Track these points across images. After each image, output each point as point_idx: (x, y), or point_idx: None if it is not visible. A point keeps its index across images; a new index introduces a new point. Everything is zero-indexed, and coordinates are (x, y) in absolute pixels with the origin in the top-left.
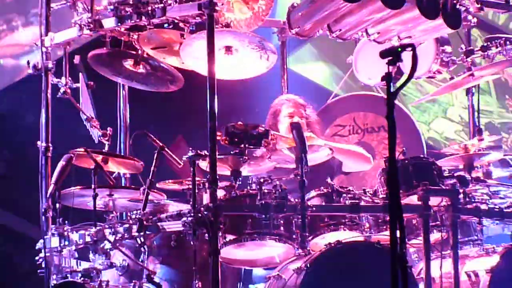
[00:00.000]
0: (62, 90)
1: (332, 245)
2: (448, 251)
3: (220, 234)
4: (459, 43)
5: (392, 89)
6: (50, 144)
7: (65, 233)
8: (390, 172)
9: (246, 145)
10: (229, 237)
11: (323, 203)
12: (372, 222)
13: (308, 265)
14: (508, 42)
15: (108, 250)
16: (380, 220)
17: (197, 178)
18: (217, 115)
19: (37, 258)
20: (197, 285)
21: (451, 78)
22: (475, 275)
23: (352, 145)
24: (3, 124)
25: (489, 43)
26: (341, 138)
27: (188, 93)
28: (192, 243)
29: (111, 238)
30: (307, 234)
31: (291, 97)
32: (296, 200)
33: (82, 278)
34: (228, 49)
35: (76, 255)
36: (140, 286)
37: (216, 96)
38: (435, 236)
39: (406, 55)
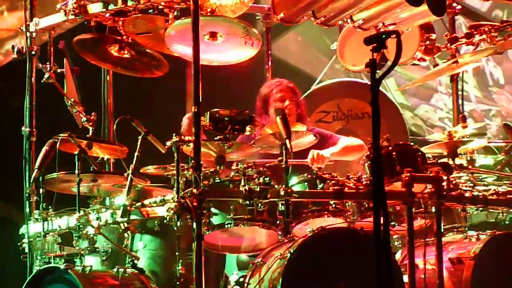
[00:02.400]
0: (46, 75)
1: (316, 231)
2: (432, 238)
3: (203, 220)
4: (443, 30)
5: (376, 76)
6: (34, 129)
7: (49, 218)
8: (374, 159)
9: (231, 131)
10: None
11: (307, 190)
12: (355, 208)
13: (292, 252)
14: (492, 29)
15: (92, 235)
16: (364, 207)
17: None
18: (202, 101)
19: (20, 243)
20: (180, 271)
21: (436, 65)
22: (458, 262)
23: (343, 141)
24: None
25: (473, 30)
26: (326, 125)
27: (173, 78)
28: (175, 228)
29: (95, 223)
30: (291, 220)
31: (282, 81)
32: (280, 186)
33: (65, 263)
34: (213, 35)
35: (60, 240)
36: (123, 271)
37: (200, 82)
38: (419, 222)
39: (391, 42)
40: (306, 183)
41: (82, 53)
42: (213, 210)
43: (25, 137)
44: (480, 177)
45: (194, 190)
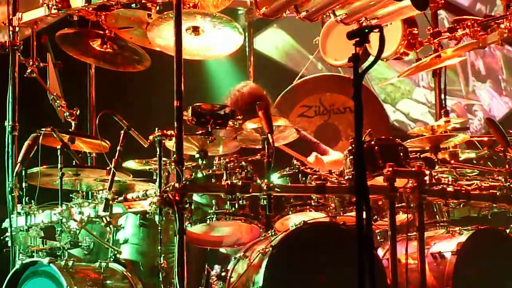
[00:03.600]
0: (29, 69)
1: (298, 226)
2: (414, 232)
3: (186, 214)
4: (426, 25)
5: (359, 70)
6: (16, 123)
7: (31, 212)
8: (356, 153)
9: (213, 125)
10: (195, 217)
11: (289, 184)
12: (338, 203)
13: (273, 246)
14: (475, 24)
15: (74, 229)
16: (346, 201)
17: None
18: (184, 95)
19: (3, 237)
20: (162, 265)
21: (418, 60)
22: (441, 257)
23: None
24: None
25: (456, 24)
26: (308, 120)
27: (155, 73)
28: (158, 222)
29: (77, 217)
30: (273, 214)
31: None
32: (262, 180)
33: (48, 257)
34: (195, 29)
35: (42, 234)
36: (106, 265)
37: (183, 76)
38: (401, 217)
39: (373, 36)
40: (287, 178)
41: (65, 47)
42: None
43: (7, 131)
44: (463, 172)
45: (176, 184)
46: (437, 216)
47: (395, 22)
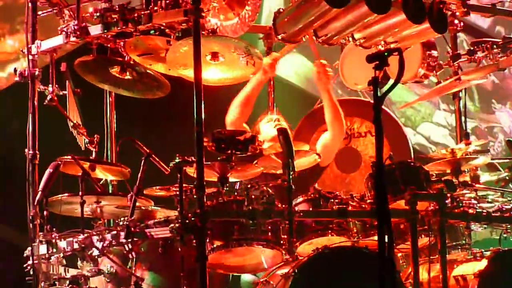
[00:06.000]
0: (49, 97)
1: (320, 250)
2: (436, 255)
3: (207, 240)
4: (445, 47)
5: (378, 94)
6: (37, 152)
7: (53, 240)
8: (378, 177)
9: (233, 151)
10: (217, 243)
11: (310, 209)
12: (359, 227)
13: (296, 271)
14: (494, 46)
15: (96, 257)
16: (367, 225)
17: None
18: (204, 121)
19: (25, 265)
20: None
21: (438, 83)
22: (463, 280)
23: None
24: None
25: (475, 47)
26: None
27: (175, 99)
28: (179, 249)
29: (99, 245)
30: (295, 239)
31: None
32: (283, 205)
33: (70, 285)
34: (214, 55)
35: (64, 262)
36: None
37: (202, 102)
38: (423, 240)
39: (393, 60)
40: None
41: (84, 74)
42: None
43: (28, 160)
44: (484, 194)
45: (198, 210)
46: (459, 239)
47: (415, 45)
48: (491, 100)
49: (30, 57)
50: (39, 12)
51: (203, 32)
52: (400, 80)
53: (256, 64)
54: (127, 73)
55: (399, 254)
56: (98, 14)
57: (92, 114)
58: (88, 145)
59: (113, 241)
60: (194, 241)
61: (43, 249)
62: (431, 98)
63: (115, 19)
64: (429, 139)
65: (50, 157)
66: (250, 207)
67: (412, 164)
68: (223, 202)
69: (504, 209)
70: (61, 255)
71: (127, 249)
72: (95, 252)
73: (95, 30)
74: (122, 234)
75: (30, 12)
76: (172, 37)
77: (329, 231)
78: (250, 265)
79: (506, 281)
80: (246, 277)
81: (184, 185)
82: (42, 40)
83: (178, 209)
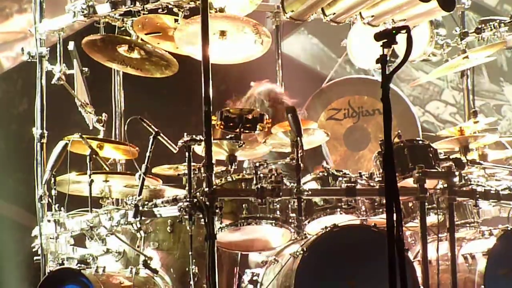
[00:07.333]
0: (56, 76)
1: (329, 228)
2: (445, 233)
3: (216, 218)
4: (453, 26)
5: (387, 72)
6: (45, 131)
7: (61, 220)
8: (386, 155)
9: (241, 130)
10: (225, 221)
11: (319, 187)
12: (368, 205)
13: (305, 249)
14: (502, 24)
15: (104, 236)
16: (376, 203)
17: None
18: (212, 99)
19: (33, 245)
20: (193, 270)
21: (446, 61)
22: (471, 258)
23: None
24: None
25: (483, 25)
26: (337, 122)
27: (183, 78)
28: (188, 228)
29: (107, 224)
30: (303, 218)
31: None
32: (292, 184)
33: (78, 265)
34: (222, 33)
35: (72, 242)
36: (136, 272)
37: (210, 81)
38: (431, 218)
39: (401, 38)
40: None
41: (92, 53)
42: None
43: (36, 139)
44: (492, 172)
45: (206, 189)
46: (467, 217)
47: (423, 23)
48: (499, 79)
49: (38, 36)
50: None
51: (211, 11)
52: (408, 58)
53: (264, 43)
54: (135, 52)
55: (408, 232)
56: None
57: (100, 93)
58: (96, 124)
59: (121, 220)
60: (203, 220)
61: (51, 228)
62: (440, 76)
63: None
64: (437, 117)
65: (58, 136)
66: (259, 186)
67: (420, 142)
68: (231, 181)
69: None
70: (69, 234)
71: (135, 228)
72: (103, 232)
73: (103, 9)
74: (131, 213)
75: None
76: (180, 15)
77: (338, 210)
78: (259, 243)
79: None
80: (255, 256)
81: (192, 164)
82: (50, 19)
83: (187, 188)
